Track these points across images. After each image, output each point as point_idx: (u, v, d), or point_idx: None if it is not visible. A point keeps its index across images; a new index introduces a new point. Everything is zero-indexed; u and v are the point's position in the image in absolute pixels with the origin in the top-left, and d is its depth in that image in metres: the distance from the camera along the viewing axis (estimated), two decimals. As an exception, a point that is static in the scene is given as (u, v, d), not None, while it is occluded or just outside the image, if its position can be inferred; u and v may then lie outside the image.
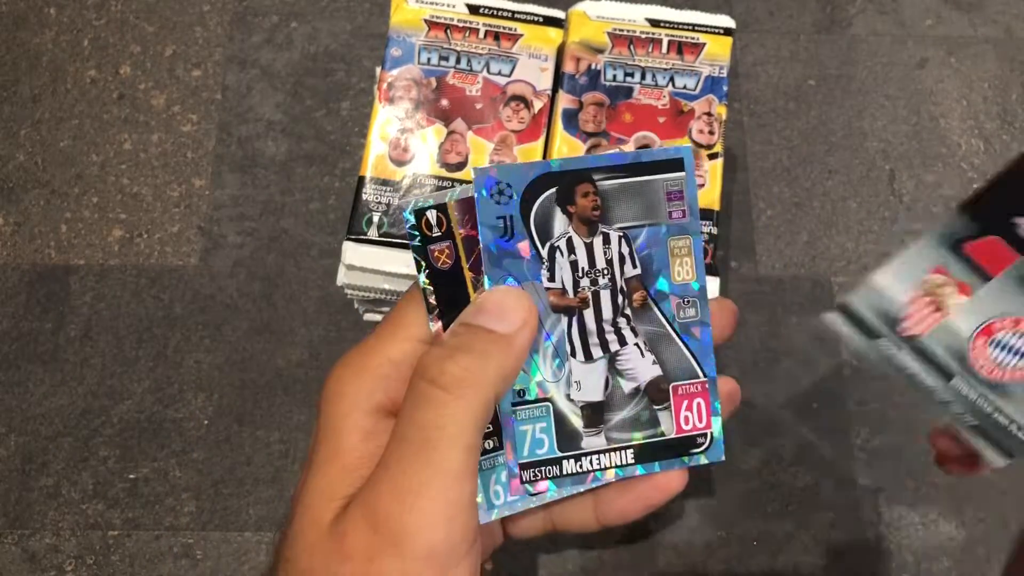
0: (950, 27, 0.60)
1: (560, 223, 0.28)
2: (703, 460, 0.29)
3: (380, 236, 0.42)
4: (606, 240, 0.28)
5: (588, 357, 0.28)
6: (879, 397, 0.51)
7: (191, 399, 0.51)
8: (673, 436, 0.29)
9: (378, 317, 0.46)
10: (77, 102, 0.57)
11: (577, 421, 0.28)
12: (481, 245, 0.27)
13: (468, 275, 0.27)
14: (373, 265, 0.42)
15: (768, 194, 0.56)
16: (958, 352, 0.26)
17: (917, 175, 0.56)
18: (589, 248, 0.28)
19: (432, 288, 0.27)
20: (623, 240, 0.28)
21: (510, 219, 0.27)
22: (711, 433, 0.29)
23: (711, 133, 0.44)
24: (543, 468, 0.28)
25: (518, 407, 0.28)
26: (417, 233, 0.27)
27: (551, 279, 0.28)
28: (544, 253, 0.27)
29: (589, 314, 0.28)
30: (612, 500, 0.29)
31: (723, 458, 0.29)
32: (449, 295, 0.27)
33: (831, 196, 0.56)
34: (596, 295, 0.28)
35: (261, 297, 0.53)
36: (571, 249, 0.28)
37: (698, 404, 0.29)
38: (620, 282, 0.28)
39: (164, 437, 0.50)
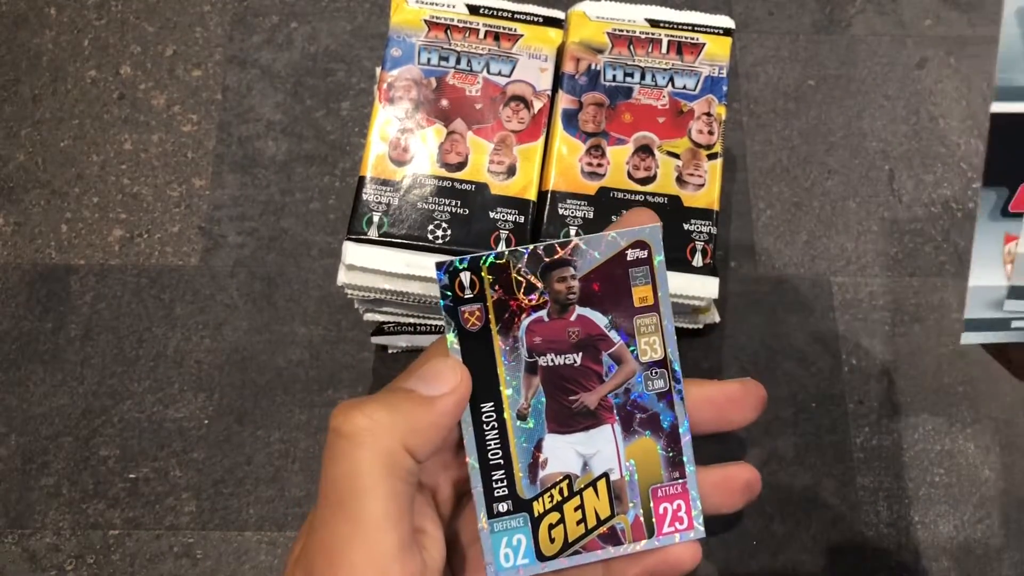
0: (949, 27, 0.60)
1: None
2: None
3: (380, 236, 0.42)
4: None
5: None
6: (879, 397, 0.51)
7: (191, 399, 0.51)
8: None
9: (379, 317, 0.46)
10: (77, 102, 0.57)
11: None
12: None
13: (496, 338, 0.28)
14: (373, 265, 0.42)
15: (768, 194, 0.56)
16: None
17: (916, 175, 0.56)
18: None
19: (459, 348, 0.27)
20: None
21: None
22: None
23: (711, 133, 0.45)
24: None
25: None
26: (450, 293, 0.27)
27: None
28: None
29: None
30: (623, 570, 0.29)
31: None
32: (475, 357, 0.27)
33: (831, 196, 0.56)
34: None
35: (261, 297, 0.53)
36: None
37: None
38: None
39: (164, 437, 0.50)
